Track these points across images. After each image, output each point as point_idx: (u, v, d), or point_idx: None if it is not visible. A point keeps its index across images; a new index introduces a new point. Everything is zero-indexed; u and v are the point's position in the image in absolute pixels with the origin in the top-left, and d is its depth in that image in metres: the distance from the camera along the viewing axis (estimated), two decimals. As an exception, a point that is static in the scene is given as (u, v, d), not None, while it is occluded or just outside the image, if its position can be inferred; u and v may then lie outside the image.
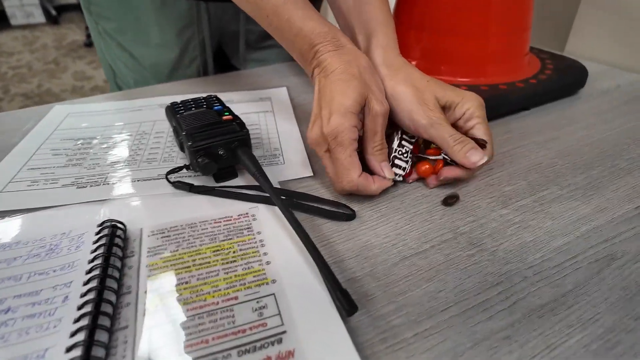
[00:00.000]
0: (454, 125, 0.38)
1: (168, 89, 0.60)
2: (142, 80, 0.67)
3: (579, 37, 0.76)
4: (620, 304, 0.27)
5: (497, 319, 0.26)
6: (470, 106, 0.37)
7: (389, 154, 0.38)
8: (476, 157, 0.35)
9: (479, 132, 0.37)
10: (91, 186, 0.39)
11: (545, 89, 0.53)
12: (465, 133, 0.38)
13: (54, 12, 3.72)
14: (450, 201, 0.36)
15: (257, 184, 0.36)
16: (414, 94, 0.37)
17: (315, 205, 0.35)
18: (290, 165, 0.42)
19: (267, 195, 0.35)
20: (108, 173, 0.41)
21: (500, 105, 0.50)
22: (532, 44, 0.65)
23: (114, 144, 0.46)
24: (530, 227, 0.33)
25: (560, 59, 0.61)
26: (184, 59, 0.67)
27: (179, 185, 0.37)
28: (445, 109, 0.38)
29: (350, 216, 0.34)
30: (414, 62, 0.56)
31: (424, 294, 0.28)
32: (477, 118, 0.38)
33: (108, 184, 0.39)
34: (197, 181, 0.39)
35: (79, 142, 0.46)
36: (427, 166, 0.38)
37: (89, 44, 3.49)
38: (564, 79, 0.56)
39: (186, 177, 0.40)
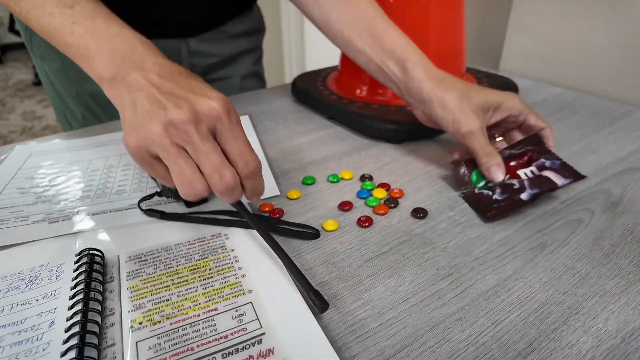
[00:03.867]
0: (505, 122, 0.44)
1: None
2: (91, 114, 0.68)
3: (510, 57, 0.85)
4: (551, 283, 0.31)
5: (449, 305, 0.29)
6: (514, 104, 0.43)
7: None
8: (497, 174, 0.41)
9: (532, 120, 0.43)
10: (63, 220, 0.40)
11: (482, 104, 0.60)
12: (521, 125, 0.44)
13: (-2, 52, 3.59)
14: (420, 214, 0.39)
15: (225, 208, 0.38)
16: (458, 103, 0.42)
17: (285, 227, 0.38)
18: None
19: (237, 219, 0.38)
20: (79, 207, 0.42)
21: (444, 121, 0.56)
22: (471, 65, 0.73)
23: (82, 179, 0.47)
24: (474, 225, 0.38)
25: (494, 78, 0.68)
26: None
27: (151, 213, 0.39)
28: (488, 111, 0.43)
29: (315, 235, 0.37)
30: (364, 87, 0.61)
31: (385, 289, 0.31)
32: (525, 110, 0.43)
33: (80, 217, 0.40)
34: (168, 208, 0.41)
35: (45, 180, 0.47)
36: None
37: (38, 82, 3.40)
38: (497, 95, 0.62)
39: (157, 204, 0.42)
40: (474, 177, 0.43)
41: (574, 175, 0.39)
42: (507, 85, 0.65)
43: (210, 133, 0.31)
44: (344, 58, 0.63)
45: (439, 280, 0.32)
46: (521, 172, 0.41)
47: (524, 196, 0.39)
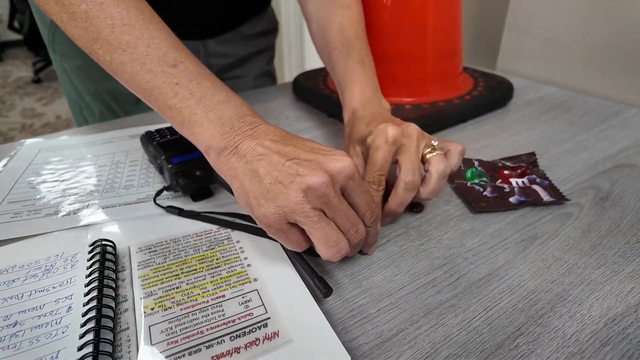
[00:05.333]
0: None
1: (137, 121, 0.63)
2: (108, 110, 0.70)
3: (506, 57, 0.86)
4: (540, 272, 0.33)
5: (444, 293, 0.31)
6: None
7: None
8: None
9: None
10: (74, 213, 0.41)
11: (478, 103, 0.62)
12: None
13: (-3, 50, 3.60)
14: (416, 209, 0.41)
15: (233, 208, 0.40)
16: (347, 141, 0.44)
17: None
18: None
19: (249, 224, 0.38)
20: (89, 201, 0.43)
21: (441, 119, 0.58)
22: (469, 65, 0.74)
23: (91, 174, 0.49)
24: (468, 219, 0.39)
25: (490, 77, 0.70)
26: None
27: (169, 209, 0.41)
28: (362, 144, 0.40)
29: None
30: (364, 86, 0.63)
31: (383, 278, 0.33)
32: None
33: (90, 210, 0.42)
34: (174, 203, 0.42)
35: (55, 175, 0.48)
36: None
37: (37, 80, 3.40)
38: (493, 94, 0.64)
39: (164, 198, 0.43)
40: (468, 174, 0.45)
41: (558, 197, 0.42)
42: (503, 84, 0.67)
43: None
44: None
45: (434, 270, 0.33)
46: (513, 180, 0.45)
47: (512, 200, 0.41)
